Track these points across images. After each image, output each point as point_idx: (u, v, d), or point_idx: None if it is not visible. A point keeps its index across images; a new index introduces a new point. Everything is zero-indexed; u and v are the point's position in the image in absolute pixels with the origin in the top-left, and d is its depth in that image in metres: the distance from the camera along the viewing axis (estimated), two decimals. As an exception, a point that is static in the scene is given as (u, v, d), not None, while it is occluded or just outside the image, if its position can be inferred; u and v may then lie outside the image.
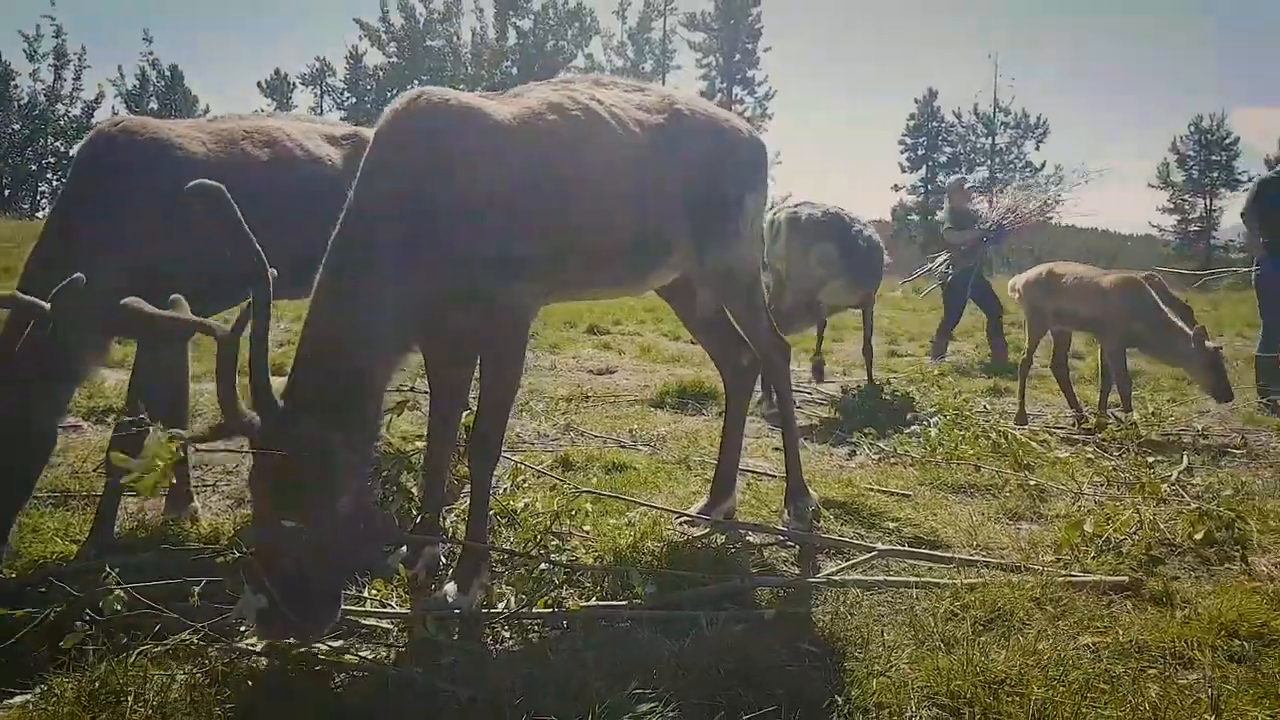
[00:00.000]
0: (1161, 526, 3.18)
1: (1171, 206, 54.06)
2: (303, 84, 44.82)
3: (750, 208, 3.31)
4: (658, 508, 3.27)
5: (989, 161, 50.06)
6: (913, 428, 4.97)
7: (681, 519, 3.28)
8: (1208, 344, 5.09)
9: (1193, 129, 53.84)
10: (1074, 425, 5.47)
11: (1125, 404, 5.34)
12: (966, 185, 10.18)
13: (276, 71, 44.68)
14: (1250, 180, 52.28)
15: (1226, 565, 2.98)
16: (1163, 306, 5.25)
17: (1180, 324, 5.19)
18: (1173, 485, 3.71)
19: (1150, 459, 4.17)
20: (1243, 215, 7.44)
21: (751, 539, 3.19)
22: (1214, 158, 52.54)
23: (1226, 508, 3.16)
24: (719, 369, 3.60)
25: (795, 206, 6.39)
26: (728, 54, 44.86)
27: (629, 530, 2.97)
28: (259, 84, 44.78)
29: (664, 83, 44.22)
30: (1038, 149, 50.27)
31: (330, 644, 2.16)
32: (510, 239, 2.53)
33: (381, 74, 43.38)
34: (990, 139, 50.05)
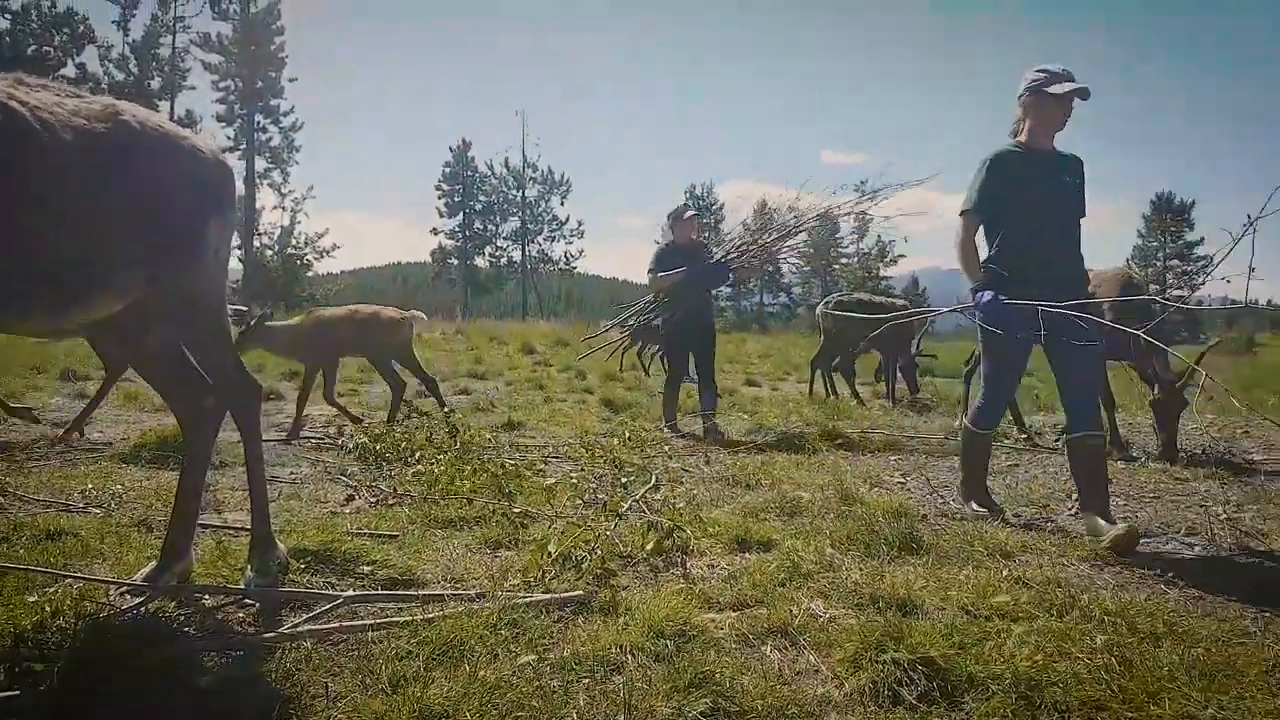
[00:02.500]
0: (618, 541, 3.47)
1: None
2: None
3: (214, 233, 3.01)
4: (89, 579, 2.80)
5: (520, 213, 53.59)
6: (417, 466, 4.94)
7: (122, 589, 2.84)
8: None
9: (687, 195, 62.60)
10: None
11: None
12: (688, 215, 7.64)
13: None
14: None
15: (671, 571, 3.33)
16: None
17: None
18: (637, 501, 4.11)
19: (625, 480, 4.61)
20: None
21: (208, 601, 2.86)
22: (704, 220, 61.65)
23: (669, 518, 3.54)
24: (173, 410, 3.22)
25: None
26: (248, 79, 42.21)
27: (31, 611, 2.48)
28: None
29: (173, 105, 40.43)
30: (563, 204, 54.92)
31: None
32: None
33: None
34: (520, 192, 53.55)
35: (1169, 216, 52.75)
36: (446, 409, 6.57)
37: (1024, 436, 6.82)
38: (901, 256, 54.01)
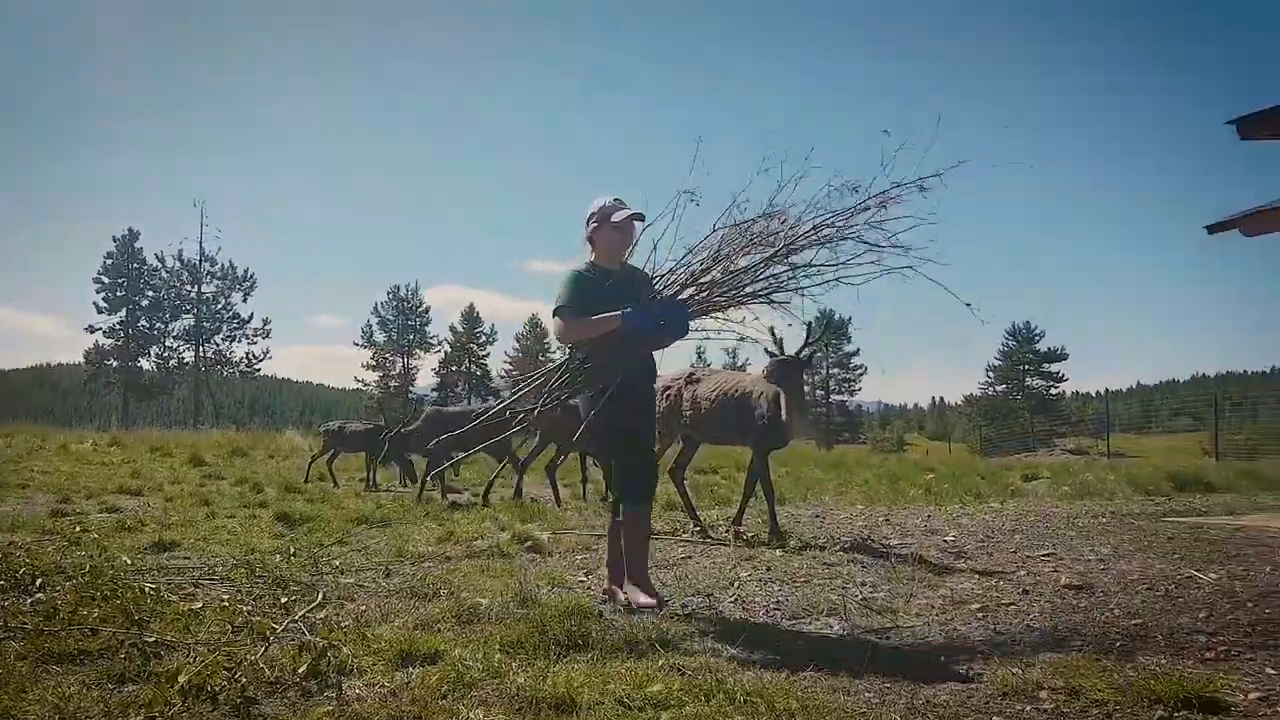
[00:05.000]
0: (266, 666, 3.16)
1: (374, 364, 60.31)
2: None
3: None
4: None
5: (195, 310, 49.26)
6: (38, 595, 4.23)
7: None
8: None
9: (391, 295, 61.40)
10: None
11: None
12: (627, 214, 4.52)
13: None
14: (441, 341, 61.60)
15: (327, 694, 3.08)
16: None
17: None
18: (296, 622, 3.79)
19: (285, 600, 4.25)
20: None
21: None
22: (410, 322, 60.66)
23: (323, 637, 3.30)
24: None
25: None
26: None
27: None
28: None
29: None
30: (245, 301, 51.30)
31: None
32: None
33: None
34: (196, 287, 49.40)
35: (830, 331, 59.93)
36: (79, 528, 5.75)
37: (698, 529, 7.21)
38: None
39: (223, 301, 49.65)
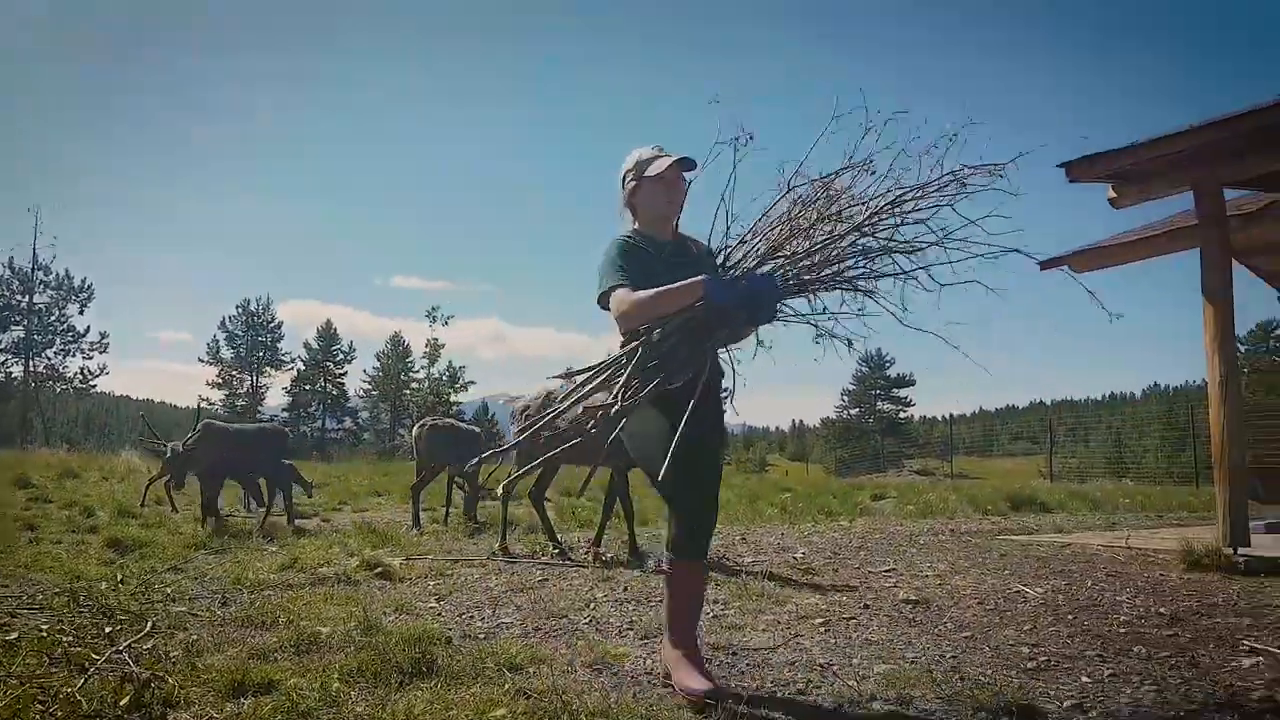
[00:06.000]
0: (82, 699, 2.95)
1: (220, 381, 57.34)
2: None
3: None
4: None
5: (26, 321, 45.60)
6: None
7: None
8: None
9: (240, 310, 58.59)
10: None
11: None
12: (671, 160, 3.53)
13: None
14: (295, 359, 58.97)
15: (147, 728, 2.90)
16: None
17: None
18: (120, 652, 3.55)
19: (110, 630, 3.99)
20: None
21: None
22: (260, 338, 57.97)
23: (147, 667, 3.11)
24: None
25: None
26: None
27: None
28: None
29: None
30: (82, 313, 47.91)
31: None
32: None
33: None
34: (28, 297, 45.77)
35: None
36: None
37: (557, 551, 7.18)
38: (472, 382, 55.38)
39: (56, 313, 46.18)
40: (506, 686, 3.21)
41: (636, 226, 3.52)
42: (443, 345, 53.79)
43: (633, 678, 3.52)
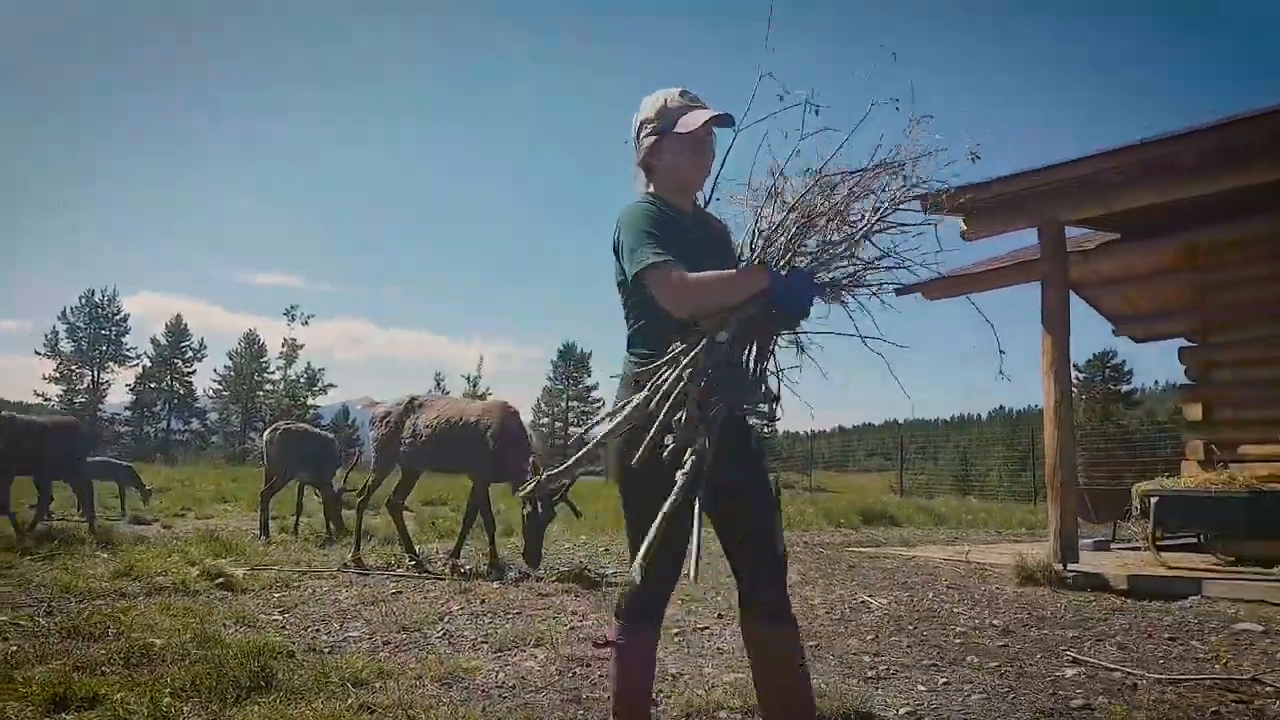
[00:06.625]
0: None
1: (59, 376, 53.37)
2: None
3: None
4: None
5: None
6: None
7: None
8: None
9: (84, 301, 54.78)
10: None
11: None
12: (707, 115, 2.60)
13: None
14: (140, 355, 55.27)
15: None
16: None
17: None
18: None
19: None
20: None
21: None
22: (104, 331, 54.23)
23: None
24: None
25: None
26: None
27: None
28: None
29: None
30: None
31: None
32: None
33: None
34: None
35: (571, 364, 61.19)
36: None
37: (414, 563, 7.02)
38: (331, 386, 53.47)
39: None
40: (350, 701, 3.12)
41: (652, 190, 2.66)
42: (301, 345, 51.82)
43: (483, 691, 3.48)
